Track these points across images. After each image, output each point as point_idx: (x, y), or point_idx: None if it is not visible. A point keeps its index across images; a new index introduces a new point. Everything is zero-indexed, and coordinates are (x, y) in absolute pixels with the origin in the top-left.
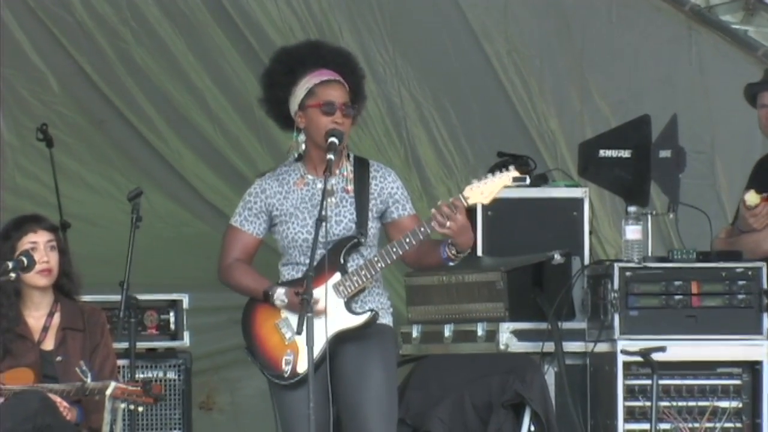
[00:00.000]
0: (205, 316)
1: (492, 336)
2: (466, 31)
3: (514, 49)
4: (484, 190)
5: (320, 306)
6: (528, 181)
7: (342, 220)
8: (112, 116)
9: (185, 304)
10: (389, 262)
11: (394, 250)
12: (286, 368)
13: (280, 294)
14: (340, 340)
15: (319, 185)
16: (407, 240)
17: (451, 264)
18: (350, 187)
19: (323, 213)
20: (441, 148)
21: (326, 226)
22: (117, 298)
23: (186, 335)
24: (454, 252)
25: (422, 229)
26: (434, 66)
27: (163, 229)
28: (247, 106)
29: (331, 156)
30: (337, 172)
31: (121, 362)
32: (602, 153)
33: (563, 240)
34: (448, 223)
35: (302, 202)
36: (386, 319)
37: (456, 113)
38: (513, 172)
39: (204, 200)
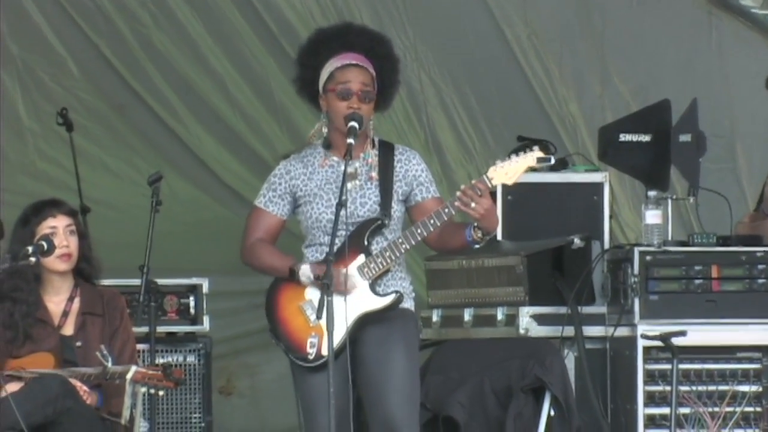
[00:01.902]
0: (225, 300)
1: (512, 320)
2: (485, 16)
3: (534, 33)
4: (508, 171)
5: (349, 283)
6: (552, 161)
7: (366, 203)
8: (131, 100)
9: (205, 289)
10: (413, 243)
11: (419, 231)
12: (311, 351)
13: (306, 270)
14: (362, 323)
15: (342, 168)
16: (431, 221)
17: (476, 246)
18: (374, 174)
19: (344, 197)
20: (461, 133)
21: (346, 210)
22: (137, 282)
23: (206, 320)
24: (479, 235)
25: (446, 210)
26: (454, 50)
27: (183, 213)
28: (266, 89)
29: (351, 140)
30: (361, 156)
31: (140, 347)
32: (622, 137)
33: (583, 224)
34: (472, 204)
35: (326, 182)
36: (408, 304)
37: (476, 98)
38: (538, 153)
39: (223, 184)
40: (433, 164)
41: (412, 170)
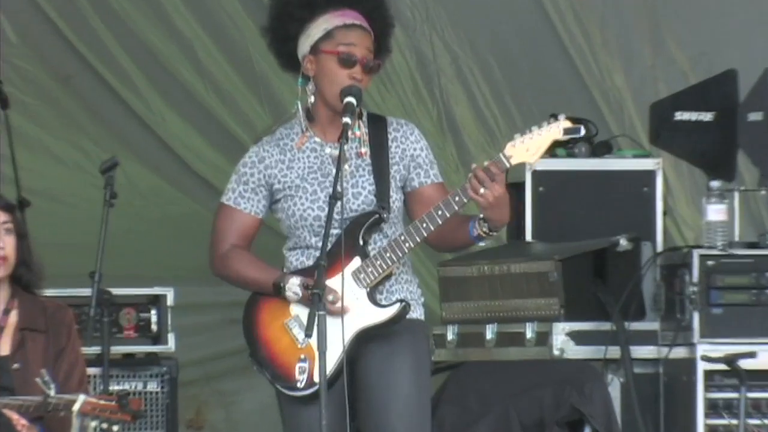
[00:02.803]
0: (195, 314)
1: (544, 339)
2: None
3: None
4: (529, 147)
5: (339, 304)
6: (582, 132)
7: (360, 193)
8: (81, 71)
9: (170, 300)
10: (419, 240)
11: (425, 225)
12: (301, 377)
13: (293, 285)
14: (361, 341)
15: (329, 151)
16: (439, 212)
17: (481, 244)
18: (364, 150)
19: (338, 189)
20: (482, 110)
21: (342, 203)
22: (87, 292)
23: (171, 338)
24: (485, 229)
25: (457, 198)
26: (474, 10)
27: (144, 208)
28: (245, 58)
29: (347, 119)
30: (349, 132)
31: (91, 371)
32: (678, 116)
33: (631, 222)
34: (481, 190)
35: (310, 171)
36: (417, 313)
37: (500, 67)
38: (564, 122)
39: (193, 173)
40: (447, 147)
41: (410, 149)
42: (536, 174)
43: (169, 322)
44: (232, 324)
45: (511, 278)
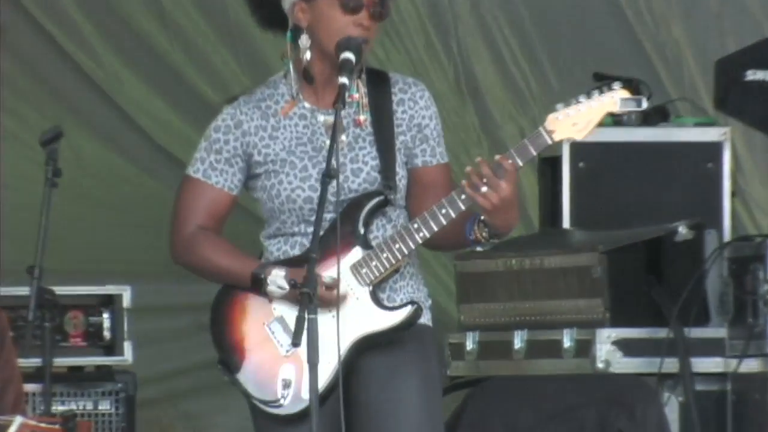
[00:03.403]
0: (157, 318)
1: (585, 349)
2: None
3: None
4: (577, 120)
5: (334, 294)
6: (645, 104)
7: (361, 169)
8: (15, 20)
9: (126, 301)
10: (435, 230)
11: (444, 212)
12: (284, 393)
13: (277, 277)
14: (360, 351)
15: (322, 118)
16: (443, 210)
17: (478, 249)
18: (363, 117)
19: (333, 165)
20: (509, 69)
21: (338, 182)
22: (25, 291)
23: (127, 348)
24: (485, 234)
25: (463, 196)
26: None
27: (94, 189)
28: (217, 6)
29: (344, 80)
30: (345, 96)
31: (29, 387)
32: (750, 75)
33: (692, 205)
34: (483, 189)
35: (299, 143)
36: (425, 317)
37: (532, 18)
38: (621, 92)
39: (155, 146)
40: (467, 114)
41: (418, 116)
42: (575, 147)
43: (125, 328)
44: (202, 331)
45: (544, 274)
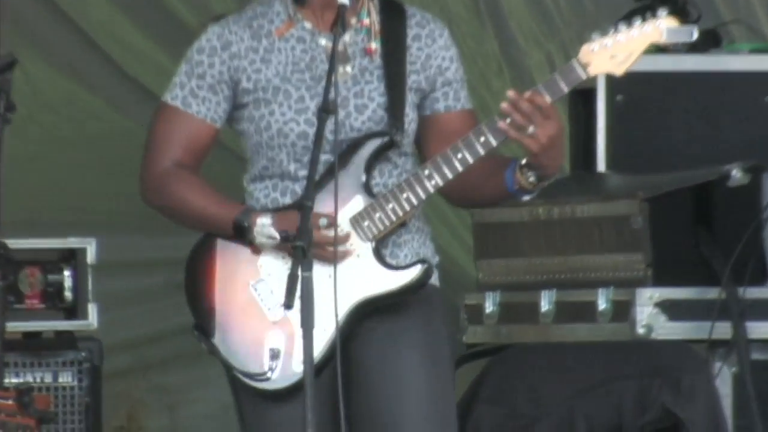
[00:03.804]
0: (126, 277)
1: (623, 311)
2: None
3: None
4: (616, 52)
5: (329, 236)
6: (694, 35)
7: (366, 105)
8: None
9: (90, 257)
10: (450, 177)
11: (460, 156)
12: (272, 365)
13: (264, 225)
14: (360, 317)
15: (324, 42)
16: (459, 155)
17: (524, 198)
18: (374, 46)
19: (331, 97)
20: None
21: (336, 118)
22: None
23: (92, 311)
24: (531, 179)
25: (482, 138)
26: None
27: (54, 125)
28: None
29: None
30: (353, 21)
31: None
32: None
33: (748, 144)
34: (530, 129)
35: (295, 69)
36: (432, 277)
37: None
38: (667, 20)
39: (123, 75)
40: (486, 42)
41: (437, 56)
42: (612, 78)
43: (90, 288)
44: (179, 291)
45: (576, 225)
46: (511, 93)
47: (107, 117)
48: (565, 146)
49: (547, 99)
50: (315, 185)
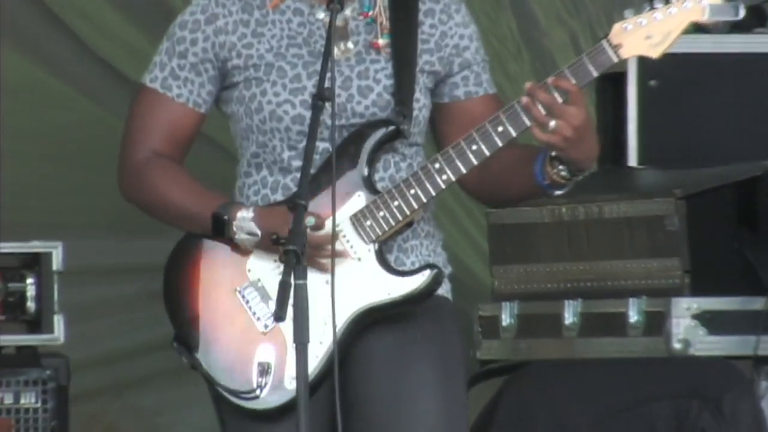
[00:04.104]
0: (97, 285)
1: (657, 324)
2: None
3: None
4: (651, 32)
5: (321, 238)
6: (741, 13)
7: (371, 88)
8: None
9: (57, 263)
10: (463, 171)
11: (475, 148)
12: (261, 381)
13: (244, 219)
14: (361, 328)
15: (322, 16)
16: (474, 146)
17: (556, 194)
18: (384, 23)
19: (327, 80)
20: None
21: (334, 103)
22: None
23: (58, 323)
24: (563, 173)
25: (500, 128)
26: None
27: (16, 114)
28: None
29: None
30: None
31: None
32: None
33: None
34: (552, 123)
35: (291, 44)
36: (442, 288)
37: None
38: None
39: (95, 58)
40: (501, 18)
41: (454, 34)
42: (645, 61)
43: (56, 298)
44: (157, 300)
45: (604, 226)
46: (529, 85)
47: (75, 105)
48: (596, 138)
49: (573, 83)
50: (311, 179)
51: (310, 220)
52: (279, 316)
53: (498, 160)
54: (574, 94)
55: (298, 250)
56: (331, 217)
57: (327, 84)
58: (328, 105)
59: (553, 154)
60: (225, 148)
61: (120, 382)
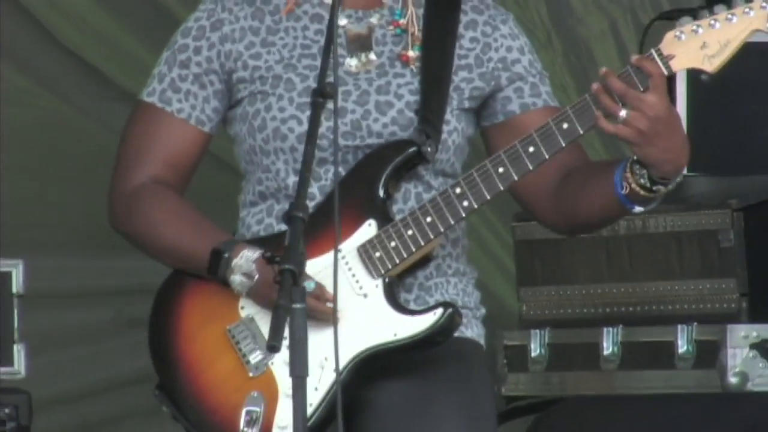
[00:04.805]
0: (63, 310)
1: (710, 356)
2: None
3: None
4: (708, 40)
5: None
6: None
7: (392, 104)
8: None
9: (17, 284)
10: (488, 197)
11: (501, 171)
12: (249, 430)
13: (245, 260)
14: (367, 371)
15: (344, 23)
16: (530, 149)
17: (637, 210)
18: (416, 34)
19: (336, 94)
20: None
21: (335, 120)
22: None
23: (18, 354)
24: (642, 180)
25: (564, 125)
26: None
27: None
28: None
29: None
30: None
31: None
32: None
33: None
34: (622, 113)
35: (304, 54)
36: (472, 330)
37: None
38: None
39: (82, 63)
40: (531, 6)
41: (499, 46)
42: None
43: (16, 325)
44: (131, 327)
45: (649, 242)
46: (603, 70)
47: (37, 102)
48: (687, 145)
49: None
50: (318, 208)
51: (309, 285)
52: (273, 345)
53: (575, 176)
54: (657, 79)
55: (295, 269)
56: (344, 246)
57: (340, 88)
58: (341, 123)
59: (635, 158)
60: (228, 163)
61: (88, 422)
